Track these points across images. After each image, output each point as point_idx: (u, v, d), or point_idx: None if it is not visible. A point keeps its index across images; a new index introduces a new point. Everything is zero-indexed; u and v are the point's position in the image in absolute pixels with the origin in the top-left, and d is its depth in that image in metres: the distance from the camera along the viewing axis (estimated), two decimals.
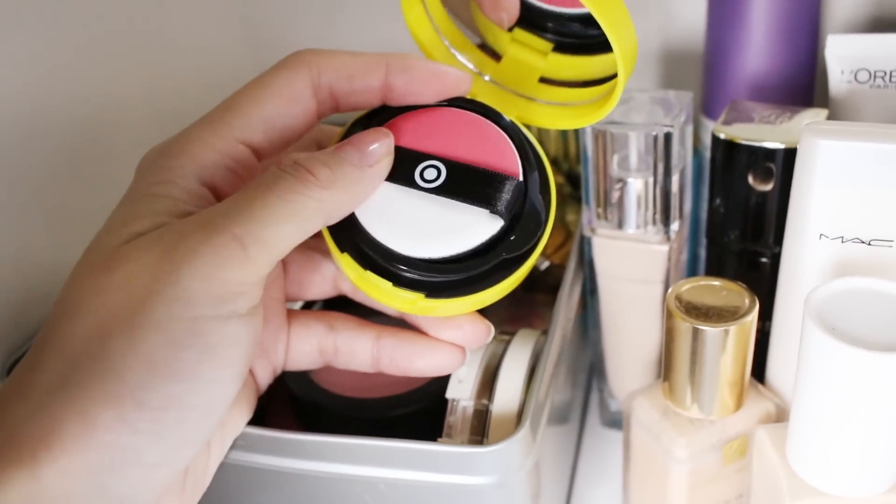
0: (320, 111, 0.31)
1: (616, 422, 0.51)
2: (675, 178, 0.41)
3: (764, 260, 0.42)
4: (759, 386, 0.40)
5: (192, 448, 0.27)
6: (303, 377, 0.40)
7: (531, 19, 0.36)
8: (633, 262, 0.43)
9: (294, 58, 0.30)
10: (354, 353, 0.34)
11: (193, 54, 0.59)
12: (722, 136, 0.39)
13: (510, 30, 0.36)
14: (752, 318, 0.35)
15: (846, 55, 0.43)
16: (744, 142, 0.39)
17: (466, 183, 0.31)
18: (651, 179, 0.41)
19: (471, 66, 0.36)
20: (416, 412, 0.38)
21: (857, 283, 0.31)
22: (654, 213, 0.42)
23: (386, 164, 0.30)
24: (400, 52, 0.31)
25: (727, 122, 0.40)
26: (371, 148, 0.29)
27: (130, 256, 0.26)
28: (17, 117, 0.44)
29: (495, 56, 0.36)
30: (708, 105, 0.51)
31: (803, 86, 0.48)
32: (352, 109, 0.31)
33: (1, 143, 0.43)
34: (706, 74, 0.51)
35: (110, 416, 0.24)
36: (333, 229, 0.31)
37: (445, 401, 0.37)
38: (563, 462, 0.45)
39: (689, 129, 0.42)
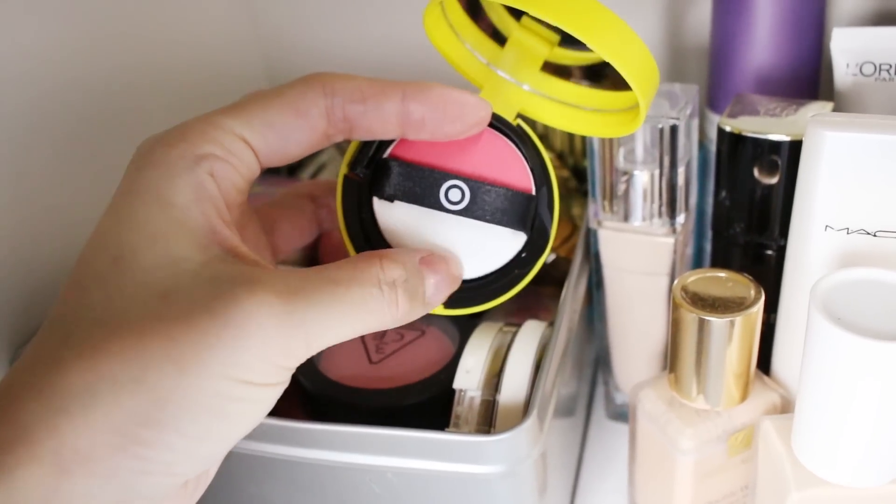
0: (330, 132, 0.31)
1: (621, 414, 0.51)
2: (680, 171, 0.41)
3: (769, 252, 0.42)
4: (765, 377, 0.40)
5: (218, 461, 0.28)
6: (311, 368, 0.41)
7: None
8: (639, 254, 0.43)
9: (310, 76, 0.30)
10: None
11: (193, 37, 0.59)
12: (728, 128, 0.39)
13: (519, 18, 0.36)
14: (758, 308, 0.36)
15: (851, 48, 0.43)
16: (749, 134, 0.39)
17: (489, 204, 0.32)
18: (657, 172, 0.41)
19: (479, 55, 0.36)
20: (423, 402, 0.38)
21: (863, 274, 0.31)
22: (660, 206, 0.42)
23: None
24: (417, 63, 0.31)
25: (733, 115, 0.40)
26: (448, 289, 0.31)
27: (190, 295, 0.26)
28: (22, 106, 0.44)
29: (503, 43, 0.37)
30: (713, 99, 0.51)
31: (808, 79, 0.48)
32: (367, 136, 0.31)
33: (2, 135, 0.43)
34: (712, 68, 0.51)
35: (149, 435, 0.25)
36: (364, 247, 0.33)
37: (453, 391, 0.37)
38: (569, 454, 0.46)
39: (695, 122, 0.42)
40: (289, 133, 0.30)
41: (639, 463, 0.43)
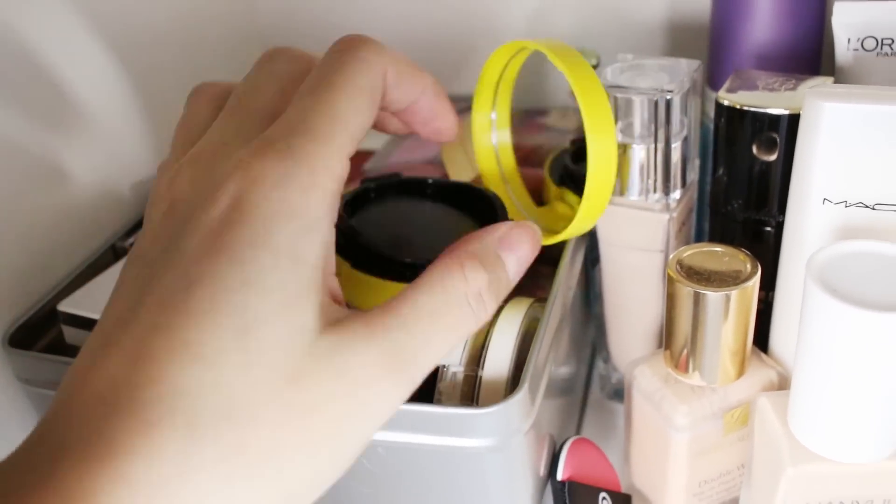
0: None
1: (618, 393, 0.51)
2: (675, 146, 0.40)
3: (768, 229, 0.41)
4: (762, 354, 0.40)
5: None
6: None
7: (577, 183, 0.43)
8: (635, 229, 0.43)
9: (371, 54, 0.29)
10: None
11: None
12: (725, 102, 0.39)
13: (560, 186, 0.45)
14: (754, 283, 0.35)
15: (853, 23, 0.42)
16: (747, 108, 0.38)
17: None
18: (653, 146, 0.40)
19: (514, 197, 0.45)
20: None
21: (860, 246, 0.31)
22: (656, 181, 0.41)
23: None
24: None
25: (731, 90, 0.40)
26: (528, 261, 0.31)
27: (315, 379, 0.25)
28: None
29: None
30: (714, 77, 0.51)
31: (810, 55, 0.48)
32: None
33: None
34: (712, 45, 0.50)
35: None
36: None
37: (436, 367, 0.37)
38: (566, 433, 0.45)
39: (696, 98, 0.42)
40: (369, 125, 0.29)
41: (634, 441, 0.42)
